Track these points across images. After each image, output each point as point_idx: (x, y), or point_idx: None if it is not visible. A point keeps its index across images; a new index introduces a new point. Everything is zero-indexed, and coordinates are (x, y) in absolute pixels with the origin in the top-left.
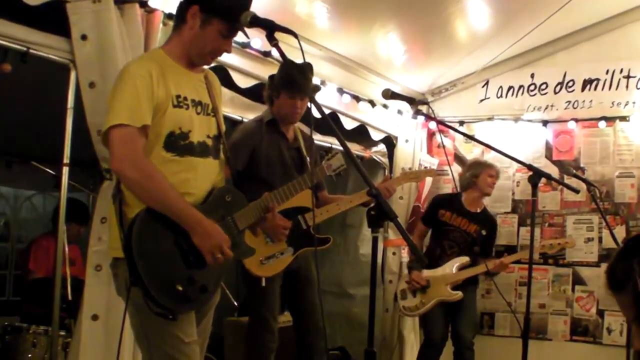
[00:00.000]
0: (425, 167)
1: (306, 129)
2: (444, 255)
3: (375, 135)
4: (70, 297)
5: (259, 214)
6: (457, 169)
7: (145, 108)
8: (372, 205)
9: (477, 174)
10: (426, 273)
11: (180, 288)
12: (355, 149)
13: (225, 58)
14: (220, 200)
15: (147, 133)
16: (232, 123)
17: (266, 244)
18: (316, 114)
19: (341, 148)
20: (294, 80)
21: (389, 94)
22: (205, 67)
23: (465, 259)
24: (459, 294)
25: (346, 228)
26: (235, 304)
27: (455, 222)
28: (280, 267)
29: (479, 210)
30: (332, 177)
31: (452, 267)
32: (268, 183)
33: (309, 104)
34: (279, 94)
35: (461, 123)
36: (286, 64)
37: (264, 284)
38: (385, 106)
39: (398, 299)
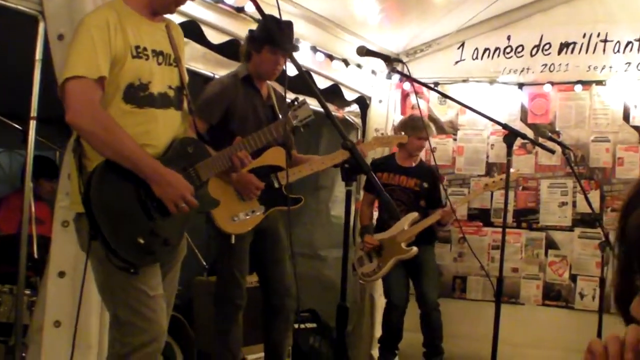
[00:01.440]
0: (398, 135)
1: (279, 87)
2: (392, 218)
3: (349, 95)
4: (36, 256)
5: (223, 165)
6: (430, 131)
7: (102, 59)
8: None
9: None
10: (378, 236)
11: (141, 241)
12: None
13: (198, 13)
14: (182, 151)
15: (105, 85)
16: (204, 80)
17: (238, 201)
18: (290, 72)
19: (317, 106)
20: (278, 35)
21: (364, 51)
22: (169, 16)
23: (414, 215)
24: (413, 249)
25: (318, 189)
26: (205, 264)
27: (394, 180)
28: (251, 225)
29: (414, 165)
30: (300, 129)
31: (402, 225)
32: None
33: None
34: (261, 49)
35: (436, 84)
36: (270, 19)
37: (233, 241)
38: (359, 66)
39: (356, 267)
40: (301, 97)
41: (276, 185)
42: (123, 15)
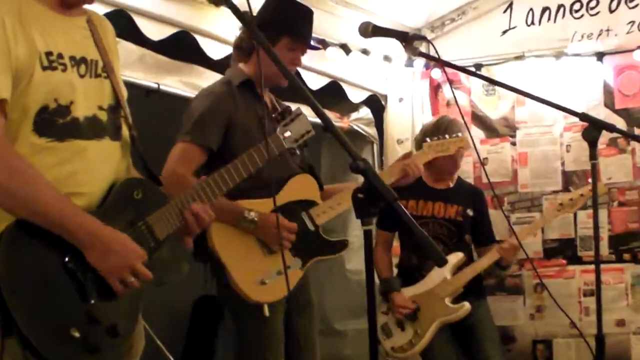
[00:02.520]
0: (455, 136)
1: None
2: (426, 262)
3: (355, 95)
4: None
5: (175, 221)
6: (478, 134)
7: (1, 77)
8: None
9: None
10: (409, 292)
11: (76, 334)
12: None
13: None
14: (127, 198)
15: (7, 111)
16: (145, 93)
17: (263, 256)
18: None
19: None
20: (302, 24)
21: (370, 29)
22: (88, 7)
23: (458, 257)
24: (465, 306)
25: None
26: None
27: (426, 210)
28: (284, 289)
29: (451, 185)
30: (296, 150)
31: (443, 273)
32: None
33: None
34: (277, 42)
35: (478, 67)
36: (291, 2)
37: (267, 313)
38: (365, 52)
39: (381, 340)
40: (294, 106)
41: (310, 227)
42: (24, 10)
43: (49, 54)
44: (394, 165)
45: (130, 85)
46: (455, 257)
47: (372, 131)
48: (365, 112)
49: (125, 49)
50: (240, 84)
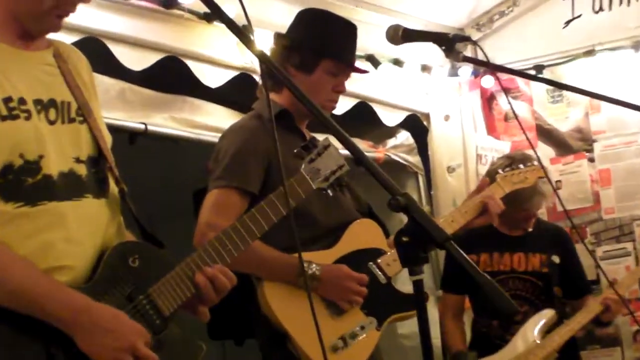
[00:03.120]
0: (531, 165)
1: None
2: (508, 326)
3: (389, 118)
4: None
5: (185, 291)
6: (547, 152)
7: None
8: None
9: None
10: None
11: None
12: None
13: (98, 23)
14: (121, 268)
15: None
16: (130, 136)
17: (331, 317)
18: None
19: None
20: (345, 42)
21: (400, 34)
22: (53, 36)
23: (549, 314)
24: None
25: None
26: None
27: (503, 263)
28: (366, 351)
29: (530, 230)
30: (327, 192)
31: (531, 336)
32: (309, 219)
33: None
34: (316, 66)
35: (538, 69)
36: (329, 17)
37: None
38: (397, 62)
39: None
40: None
41: (381, 279)
42: None
43: (7, 100)
44: (469, 200)
45: (110, 129)
46: (545, 315)
47: (414, 159)
48: (405, 137)
49: (102, 85)
50: (279, 114)
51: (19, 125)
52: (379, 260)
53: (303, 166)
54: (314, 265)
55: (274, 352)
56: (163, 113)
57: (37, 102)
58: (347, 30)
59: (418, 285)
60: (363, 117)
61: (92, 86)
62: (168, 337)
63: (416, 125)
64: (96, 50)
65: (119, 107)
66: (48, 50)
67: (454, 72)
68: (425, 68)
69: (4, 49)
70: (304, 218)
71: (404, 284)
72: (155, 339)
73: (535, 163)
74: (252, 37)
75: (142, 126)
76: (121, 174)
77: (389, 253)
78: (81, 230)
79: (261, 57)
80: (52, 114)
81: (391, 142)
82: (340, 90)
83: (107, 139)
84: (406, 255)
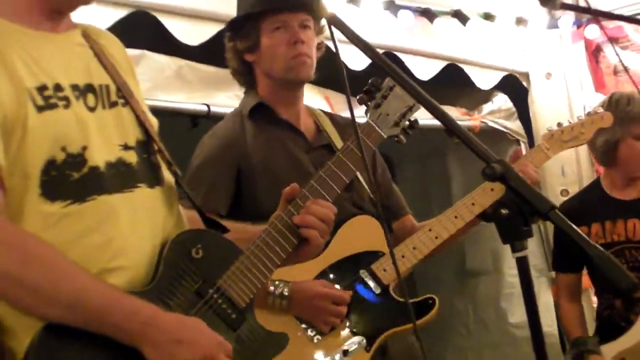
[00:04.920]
0: (594, 113)
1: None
2: (632, 305)
3: (483, 80)
4: None
5: (256, 281)
6: None
7: None
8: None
9: (616, 138)
10: (613, 348)
11: None
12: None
13: None
14: (184, 262)
15: (4, 179)
16: (191, 119)
17: (311, 343)
18: (353, 63)
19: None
20: None
21: None
22: (76, 18)
23: None
24: None
25: (468, 279)
26: None
27: (616, 233)
28: None
29: None
30: (399, 139)
31: None
32: None
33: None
34: (259, 32)
35: None
36: None
37: None
38: (488, 16)
39: None
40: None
41: (374, 288)
42: None
43: (42, 88)
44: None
45: (166, 113)
46: None
47: (514, 125)
48: (502, 101)
49: (155, 64)
50: (254, 109)
51: (59, 115)
52: (372, 267)
53: (369, 114)
54: (281, 284)
55: None
56: (227, 91)
57: (74, 87)
58: None
59: (522, 263)
60: (454, 81)
61: (129, 67)
62: (247, 330)
63: (514, 86)
64: (147, 25)
65: (176, 88)
66: (76, 30)
67: (553, 24)
68: (520, 21)
69: (30, 33)
70: None
71: (474, 260)
72: (233, 335)
73: (600, 110)
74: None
75: (205, 107)
76: (184, 162)
77: (385, 255)
78: (137, 224)
79: (330, 19)
80: (90, 99)
81: (487, 107)
82: (296, 39)
83: (153, 122)
84: (506, 231)
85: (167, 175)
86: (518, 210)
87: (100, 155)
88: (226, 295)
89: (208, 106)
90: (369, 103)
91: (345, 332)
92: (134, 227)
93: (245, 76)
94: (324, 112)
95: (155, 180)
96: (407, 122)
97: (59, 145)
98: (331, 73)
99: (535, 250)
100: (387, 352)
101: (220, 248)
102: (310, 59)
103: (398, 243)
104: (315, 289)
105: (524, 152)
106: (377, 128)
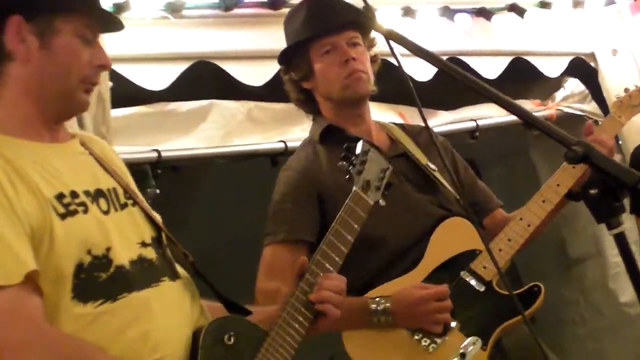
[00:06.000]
0: None
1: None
2: None
3: (550, 68)
4: None
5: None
6: None
7: (17, 243)
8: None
9: None
10: None
11: None
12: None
13: (204, 45)
14: (220, 349)
15: (39, 284)
16: (271, 159)
17: (427, 353)
18: (418, 74)
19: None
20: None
21: None
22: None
23: None
24: None
25: (573, 267)
26: None
27: None
28: None
29: None
30: (380, 202)
31: None
32: (377, 243)
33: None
34: (310, 62)
35: None
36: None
37: None
38: (544, 4)
39: None
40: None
41: (478, 287)
42: (7, 153)
43: (60, 196)
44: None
45: (244, 157)
46: None
47: (590, 107)
48: (574, 85)
49: (225, 111)
50: (324, 133)
51: (80, 221)
52: (471, 266)
53: (355, 181)
54: (382, 300)
55: None
56: (300, 124)
57: (86, 193)
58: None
59: (620, 239)
60: (522, 74)
61: (124, 168)
62: None
63: (583, 68)
64: (210, 75)
65: (250, 130)
66: (75, 140)
67: (610, 0)
68: (577, 4)
69: (36, 146)
70: (373, 244)
71: (575, 246)
72: None
73: None
74: (374, 16)
75: (281, 144)
76: (268, 202)
77: (482, 252)
78: (169, 316)
79: (389, 35)
80: (102, 203)
81: (560, 94)
82: (347, 57)
83: (157, 217)
84: (599, 210)
85: (180, 269)
86: (607, 188)
87: (123, 254)
88: None
89: (285, 142)
90: (351, 170)
91: (458, 335)
92: (167, 319)
93: (309, 104)
94: (395, 124)
95: (173, 273)
96: (385, 186)
97: (85, 248)
98: (400, 88)
99: (632, 226)
100: (503, 348)
101: (249, 332)
102: (365, 73)
103: (492, 238)
104: (414, 294)
105: None
106: (364, 196)
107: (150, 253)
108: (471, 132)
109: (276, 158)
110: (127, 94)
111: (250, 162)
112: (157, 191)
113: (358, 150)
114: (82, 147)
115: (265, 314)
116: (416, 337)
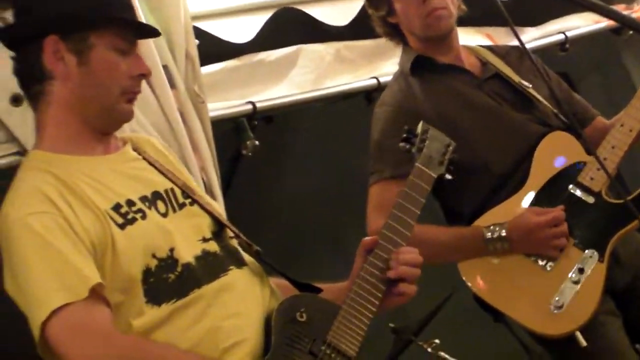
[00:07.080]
0: None
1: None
2: None
3: None
4: None
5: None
6: None
7: (79, 261)
8: None
9: None
10: None
11: None
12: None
13: None
14: (292, 327)
15: (106, 295)
16: (366, 96)
17: (544, 271)
18: None
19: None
20: None
21: None
22: (124, 131)
23: None
24: None
25: None
26: None
27: None
28: (595, 296)
29: None
30: (446, 176)
31: None
32: (481, 169)
33: None
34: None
35: None
36: None
37: (584, 343)
38: None
39: None
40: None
41: (587, 199)
42: (59, 171)
43: (117, 207)
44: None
45: (339, 98)
46: None
47: None
48: None
49: (313, 54)
50: (415, 64)
51: (140, 227)
52: (578, 179)
53: (416, 158)
54: (496, 227)
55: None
56: (390, 59)
57: (143, 199)
58: None
59: None
60: None
61: (177, 163)
62: None
63: None
64: (295, 20)
65: (341, 71)
66: (126, 147)
67: None
68: None
69: (88, 160)
70: (476, 170)
71: None
72: None
73: None
74: None
75: (374, 81)
76: (367, 141)
77: (588, 163)
78: (240, 302)
79: None
80: (161, 206)
81: None
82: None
83: (220, 210)
84: None
85: (247, 256)
86: None
87: (187, 252)
88: (337, 348)
89: (377, 78)
90: (412, 149)
91: (574, 250)
92: (239, 304)
93: (397, 36)
94: (482, 46)
95: (239, 261)
96: (448, 161)
97: (149, 253)
98: (485, 9)
99: None
100: (620, 258)
101: (320, 307)
102: (445, 9)
103: (596, 147)
104: (531, 221)
105: None
106: (426, 170)
107: (213, 246)
108: (561, 45)
109: (371, 95)
110: (214, 50)
111: (344, 103)
112: (257, 143)
113: (418, 130)
114: (135, 153)
115: (335, 290)
116: (532, 258)
